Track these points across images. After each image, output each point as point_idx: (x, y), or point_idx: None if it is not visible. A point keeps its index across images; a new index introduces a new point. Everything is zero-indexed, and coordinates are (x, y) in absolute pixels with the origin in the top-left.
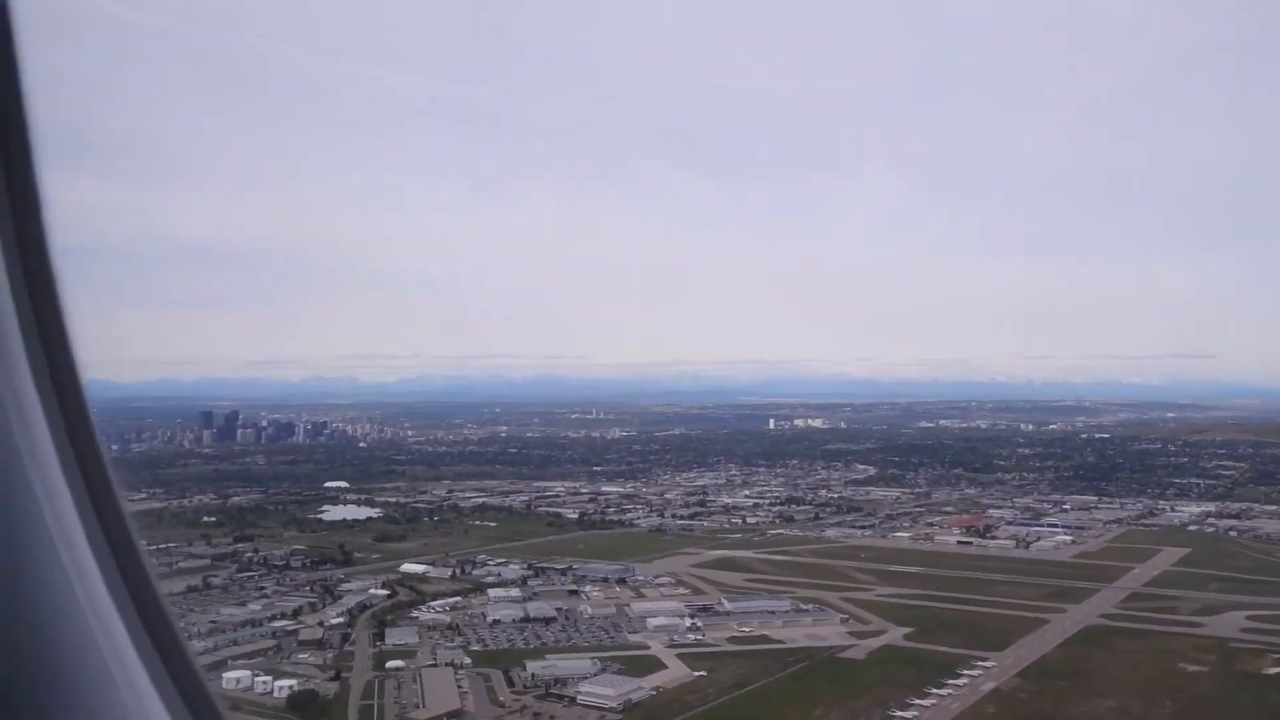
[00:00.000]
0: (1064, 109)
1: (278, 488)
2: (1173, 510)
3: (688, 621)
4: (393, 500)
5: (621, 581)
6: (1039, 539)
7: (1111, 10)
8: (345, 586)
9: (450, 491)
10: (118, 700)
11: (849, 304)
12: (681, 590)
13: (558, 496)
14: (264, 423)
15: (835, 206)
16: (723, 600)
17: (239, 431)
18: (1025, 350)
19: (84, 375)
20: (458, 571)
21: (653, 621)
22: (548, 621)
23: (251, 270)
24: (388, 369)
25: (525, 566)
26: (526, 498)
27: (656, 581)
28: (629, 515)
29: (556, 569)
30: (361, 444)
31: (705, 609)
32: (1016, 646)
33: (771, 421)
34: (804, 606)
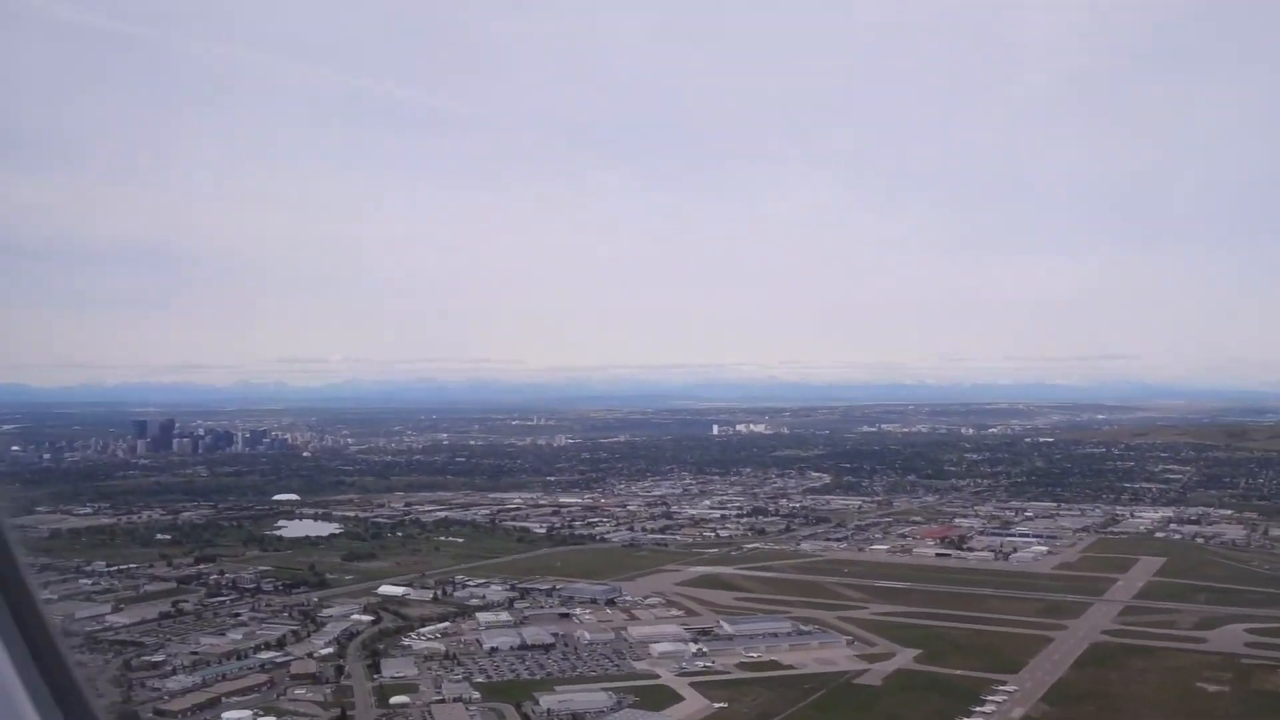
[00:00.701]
0: (993, 107)
1: (226, 501)
2: (1133, 516)
3: (692, 647)
4: (351, 515)
5: (611, 603)
6: (1015, 550)
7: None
8: (326, 612)
9: (408, 505)
10: None
11: (777, 306)
12: (674, 612)
13: (519, 509)
14: (200, 431)
15: (763, 207)
16: (722, 623)
17: (175, 441)
18: (951, 352)
19: None
20: (439, 593)
21: (656, 648)
22: (546, 649)
23: (176, 272)
24: (315, 374)
25: (508, 587)
26: (488, 511)
27: (647, 603)
28: (597, 529)
29: (541, 589)
30: (305, 453)
31: (706, 632)
32: (1031, 668)
33: (715, 427)
34: (805, 628)
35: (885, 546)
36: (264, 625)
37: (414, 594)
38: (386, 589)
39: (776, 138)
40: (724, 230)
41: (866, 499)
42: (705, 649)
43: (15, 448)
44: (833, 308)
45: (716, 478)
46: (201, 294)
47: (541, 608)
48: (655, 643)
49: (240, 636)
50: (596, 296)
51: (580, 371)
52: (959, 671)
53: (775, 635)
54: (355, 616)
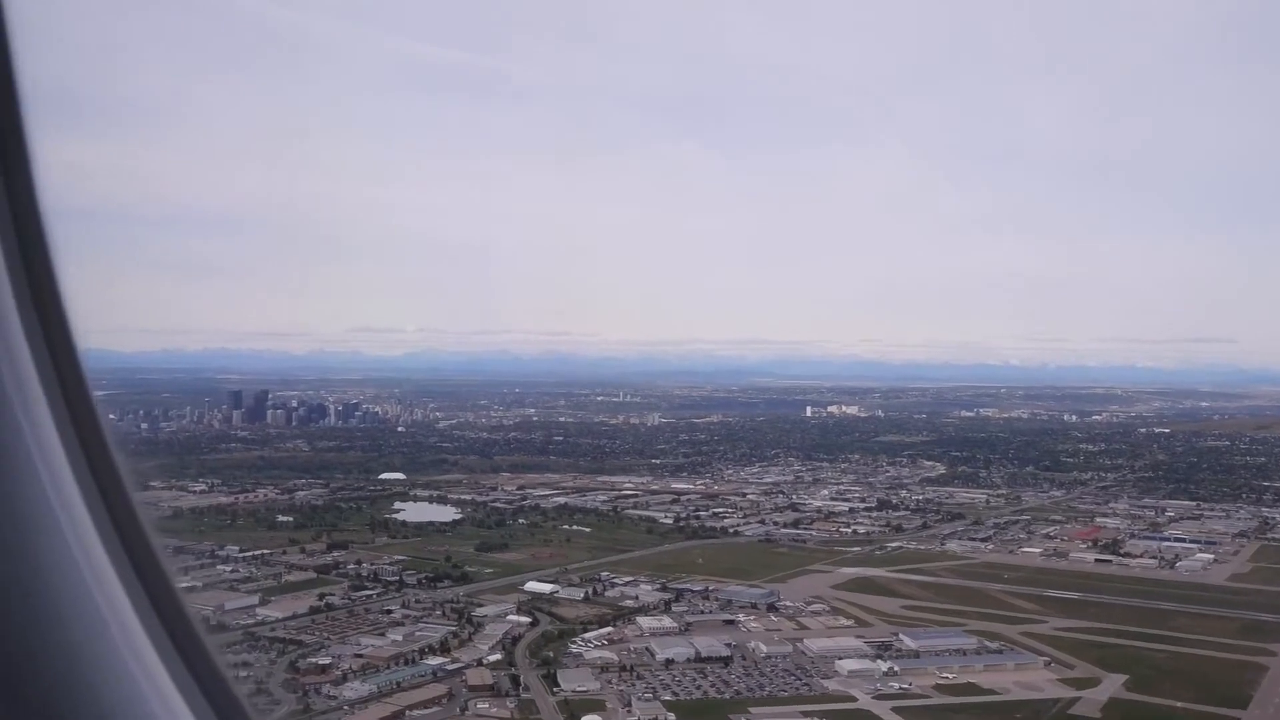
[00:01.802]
0: (1083, 83)
1: (333, 479)
2: None
3: (881, 665)
4: (466, 498)
5: (772, 608)
6: (1177, 557)
7: None
8: (480, 611)
9: (520, 488)
10: (141, 703)
11: (857, 283)
12: (843, 621)
13: (635, 496)
14: (294, 403)
15: (845, 182)
16: (901, 636)
17: (269, 412)
18: (1037, 332)
19: (85, 358)
20: (590, 593)
21: (842, 664)
22: (725, 662)
23: (251, 238)
24: (390, 344)
25: (658, 587)
26: (605, 497)
27: (810, 609)
28: (725, 521)
29: (693, 590)
30: (400, 428)
31: (887, 647)
32: (1259, 701)
33: (808, 409)
34: (990, 645)
35: (1037, 550)
36: (420, 625)
37: (563, 593)
38: (534, 586)
39: (861, 111)
40: (805, 205)
41: (989, 492)
42: (896, 668)
43: (112, 415)
44: (914, 286)
45: (825, 464)
46: (278, 261)
47: (701, 612)
48: (838, 658)
49: (400, 638)
50: (673, 270)
51: (656, 346)
52: (1179, 704)
53: (963, 653)
54: (511, 617)
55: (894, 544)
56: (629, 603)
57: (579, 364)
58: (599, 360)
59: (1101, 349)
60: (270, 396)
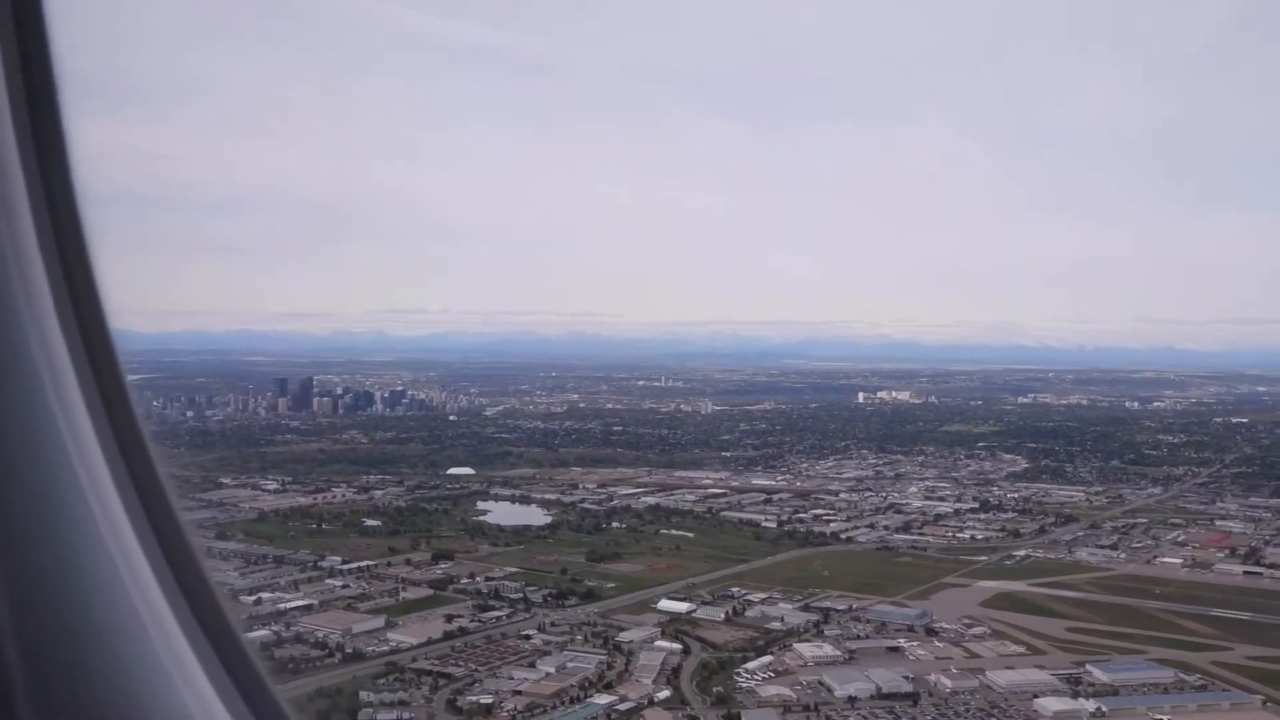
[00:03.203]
0: (1126, 61)
1: (399, 473)
2: None
3: (1086, 705)
4: (550, 497)
5: (931, 631)
6: None
7: None
8: (623, 635)
9: (602, 486)
10: (175, 696)
11: (889, 262)
12: (1012, 646)
13: (722, 494)
14: (340, 390)
15: (879, 160)
16: (1090, 668)
17: (315, 400)
18: (1073, 313)
19: (119, 344)
20: (730, 612)
21: (1042, 704)
22: (912, 700)
23: (275, 219)
24: (415, 324)
25: (799, 605)
26: (693, 496)
27: (972, 633)
28: (832, 526)
29: (837, 609)
30: (451, 416)
31: (1078, 681)
32: None
33: (860, 395)
34: (1185, 677)
35: (1175, 560)
36: (566, 653)
37: (700, 611)
38: (667, 605)
39: (898, 90)
40: (837, 183)
41: (1084, 490)
42: (1104, 708)
43: (156, 403)
44: (947, 265)
45: (900, 457)
46: (300, 242)
47: (857, 637)
48: (1033, 695)
49: (553, 669)
50: (699, 249)
51: (682, 326)
52: None
53: (1164, 689)
54: (660, 643)
55: (1019, 552)
56: (775, 625)
57: (605, 345)
58: (625, 341)
59: (1139, 330)
60: (315, 383)
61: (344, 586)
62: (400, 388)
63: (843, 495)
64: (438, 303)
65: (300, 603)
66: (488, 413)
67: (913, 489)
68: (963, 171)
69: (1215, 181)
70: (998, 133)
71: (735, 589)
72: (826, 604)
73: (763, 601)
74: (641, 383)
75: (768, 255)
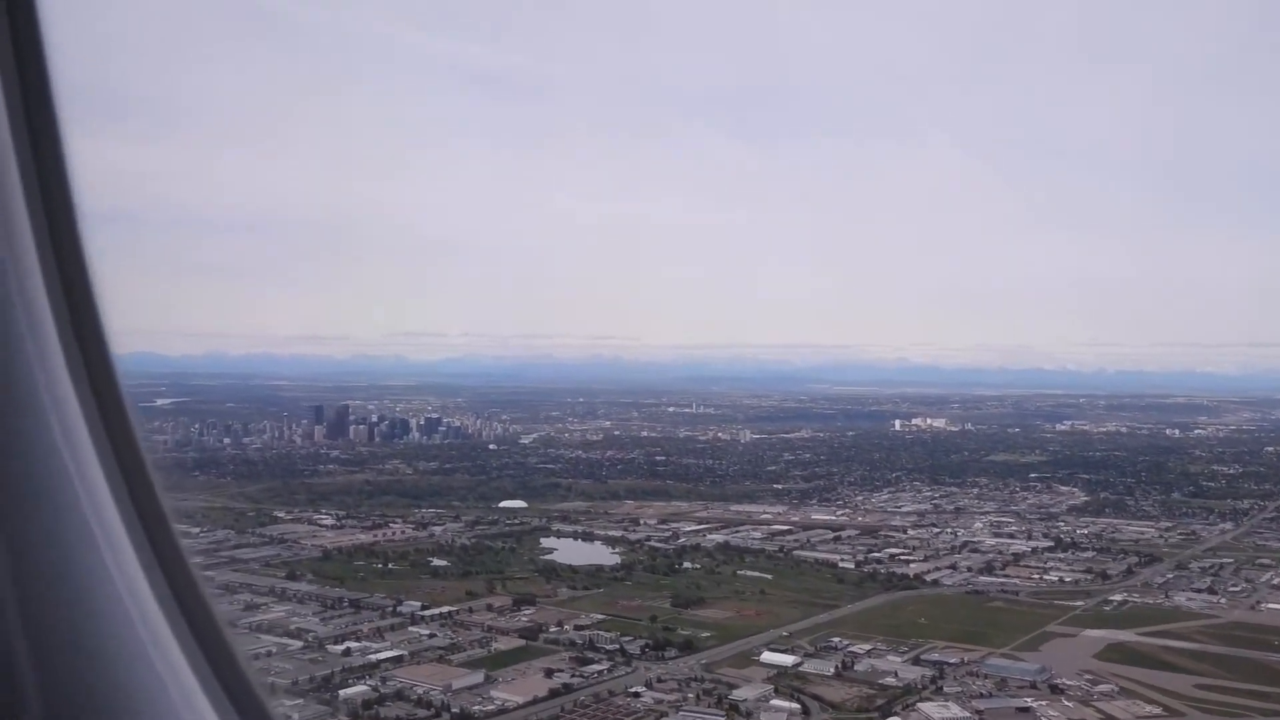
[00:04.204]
0: (1140, 76)
1: (449, 506)
2: None
3: None
4: (614, 534)
5: (1055, 689)
6: None
7: None
8: (738, 694)
9: (664, 522)
10: (165, 699)
11: (905, 284)
12: (1147, 708)
13: (790, 531)
14: (375, 417)
15: (892, 180)
16: None
17: (351, 428)
18: (1092, 336)
19: (119, 364)
20: (839, 666)
21: None
22: None
23: (289, 241)
24: (433, 347)
25: (908, 659)
26: (759, 534)
27: (1098, 690)
28: (912, 567)
29: (948, 663)
30: (491, 446)
31: None
32: None
33: (896, 423)
34: None
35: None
36: (683, 714)
37: (806, 665)
38: (771, 657)
39: (909, 107)
40: (851, 204)
41: (1153, 525)
42: None
43: (194, 429)
44: (964, 287)
45: (954, 489)
46: (316, 264)
47: (981, 694)
48: None
49: None
50: (715, 271)
51: (699, 350)
52: None
53: None
54: (776, 702)
55: (1114, 597)
56: (890, 680)
57: (624, 369)
58: (644, 365)
59: (1158, 353)
60: (350, 410)
61: (431, 636)
62: (435, 415)
63: (911, 532)
64: (455, 326)
65: (390, 653)
66: (524, 440)
67: (978, 524)
68: (976, 190)
69: (1230, 202)
70: (1008, 151)
71: (836, 639)
72: (935, 656)
73: (868, 653)
74: (672, 409)
75: (786, 278)
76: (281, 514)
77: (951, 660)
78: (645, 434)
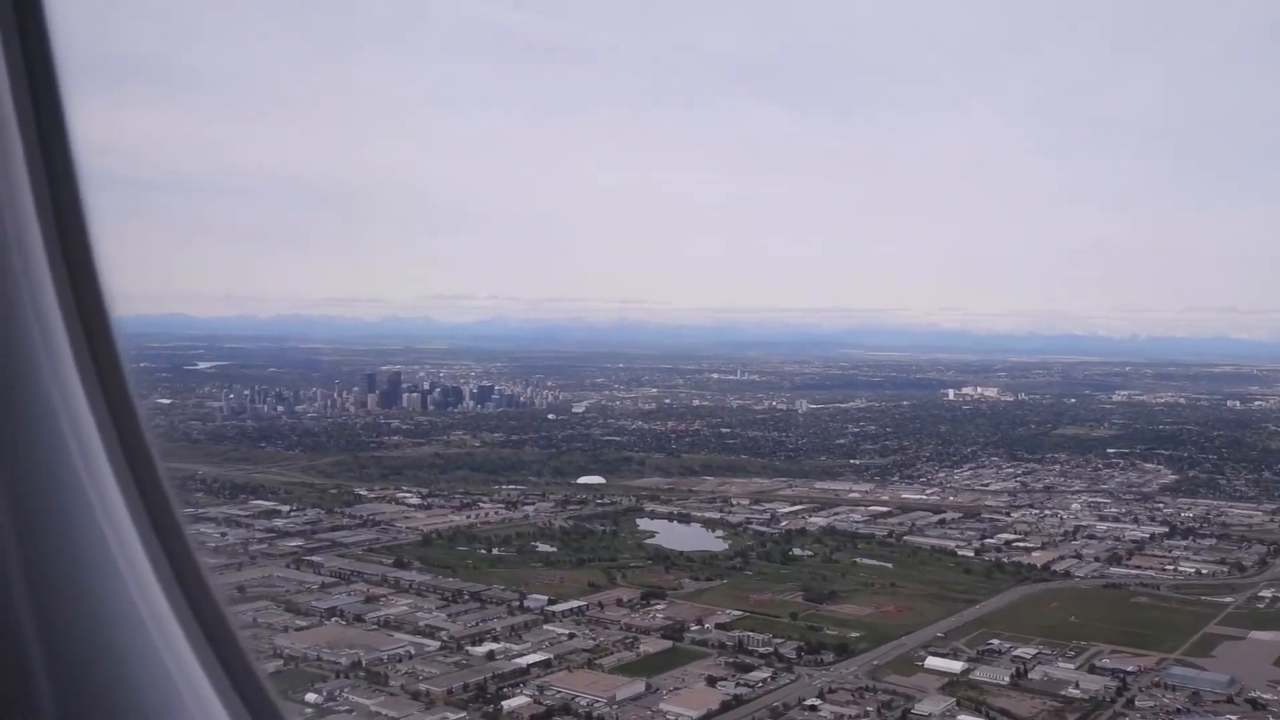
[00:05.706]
0: (1174, 47)
1: (527, 481)
2: None
3: None
4: (712, 516)
5: (1257, 705)
6: None
7: None
8: (921, 710)
9: (757, 502)
10: (177, 700)
11: (938, 250)
12: None
13: (891, 514)
14: (427, 385)
15: (927, 147)
16: None
17: (404, 395)
18: (1124, 302)
19: (121, 335)
20: (1015, 674)
21: None
22: None
23: (320, 205)
24: (462, 310)
25: (1080, 666)
26: (860, 516)
27: None
28: (1035, 555)
29: (1125, 670)
30: (550, 415)
31: None
32: None
33: (950, 393)
34: None
35: None
36: None
37: (977, 672)
38: (936, 663)
39: (946, 75)
40: (885, 171)
41: (1254, 507)
42: None
43: (245, 393)
44: (997, 253)
45: (1034, 465)
46: (347, 227)
47: (1180, 711)
48: None
49: None
50: (746, 236)
51: (729, 314)
52: None
53: None
54: (963, 718)
55: (1264, 593)
56: (1072, 692)
57: (654, 332)
58: (672, 329)
59: (1190, 319)
60: (403, 378)
61: (570, 636)
62: (487, 384)
63: (1014, 515)
64: (485, 289)
65: (535, 657)
66: (576, 409)
67: (1074, 505)
68: (1008, 159)
69: (1262, 171)
70: (1044, 120)
71: (994, 640)
72: (1106, 662)
73: (1034, 658)
74: (716, 375)
75: (818, 243)
76: (363, 491)
77: (1129, 668)
78: (697, 403)
